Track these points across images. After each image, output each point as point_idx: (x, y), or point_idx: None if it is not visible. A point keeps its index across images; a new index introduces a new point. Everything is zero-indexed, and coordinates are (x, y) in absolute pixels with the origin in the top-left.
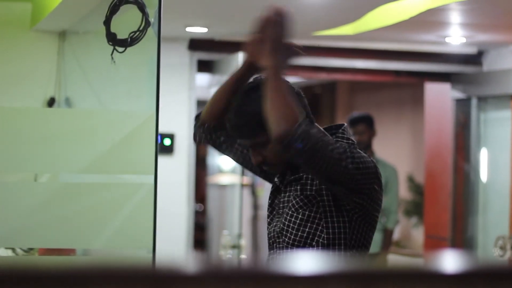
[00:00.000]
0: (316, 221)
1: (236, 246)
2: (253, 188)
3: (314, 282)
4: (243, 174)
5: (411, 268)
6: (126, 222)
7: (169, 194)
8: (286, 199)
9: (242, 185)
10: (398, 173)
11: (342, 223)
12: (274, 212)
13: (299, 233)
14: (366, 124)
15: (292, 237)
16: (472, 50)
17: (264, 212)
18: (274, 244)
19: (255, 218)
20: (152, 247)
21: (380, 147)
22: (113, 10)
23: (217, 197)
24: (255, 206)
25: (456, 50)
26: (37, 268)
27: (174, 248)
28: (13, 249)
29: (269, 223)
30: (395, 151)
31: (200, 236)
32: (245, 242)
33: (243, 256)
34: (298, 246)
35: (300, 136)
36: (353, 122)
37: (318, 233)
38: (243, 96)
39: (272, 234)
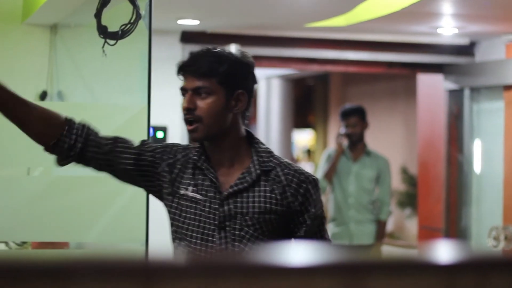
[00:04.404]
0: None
1: None
2: None
3: (305, 274)
4: None
5: (403, 259)
6: (119, 215)
7: None
8: (243, 205)
9: None
10: (390, 164)
11: None
12: (222, 224)
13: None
14: (358, 116)
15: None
16: (464, 41)
17: None
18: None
19: None
20: (145, 240)
21: (373, 138)
22: (104, 3)
23: None
24: None
25: (448, 41)
26: (30, 261)
27: (168, 240)
28: (6, 243)
29: (204, 236)
30: (388, 143)
31: None
32: None
33: None
34: None
35: None
36: (346, 115)
37: None
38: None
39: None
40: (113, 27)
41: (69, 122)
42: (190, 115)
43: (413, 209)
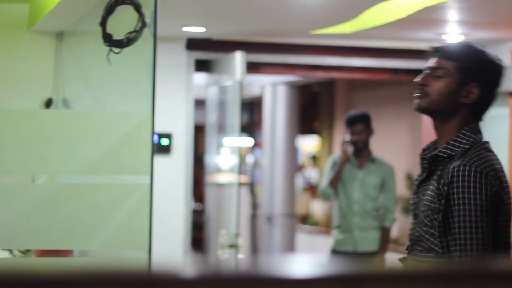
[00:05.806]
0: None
1: (233, 245)
2: (252, 187)
3: (307, 285)
4: (240, 172)
5: (402, 270)
6: (123, 222)
7: (167, 194)
8: (416, 200)
9: (240, 184)
10: (395, 172)
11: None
12: (415, 213)
13: (430, 244)
14: (363, 123)
15: (428, 244)
16: None
17: (263, 211)
18: (413, 247)
19: (253, 217)
20: (148, 248)
21: (378, 145)
22: (109, 11)
23: (216, 196)
24: (254, 205)
25: None
26: (33, 270)
27: (171, 247)
28: (10, 251)
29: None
30: (393, 149)
31: (199, 235)
32: (242, 241)
33: (240, 255)
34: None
35: None
36: (351, 122)
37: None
38: None
39: (411, 237)
40: (118, 35)
41: None
42: (419, 90)
43: None
